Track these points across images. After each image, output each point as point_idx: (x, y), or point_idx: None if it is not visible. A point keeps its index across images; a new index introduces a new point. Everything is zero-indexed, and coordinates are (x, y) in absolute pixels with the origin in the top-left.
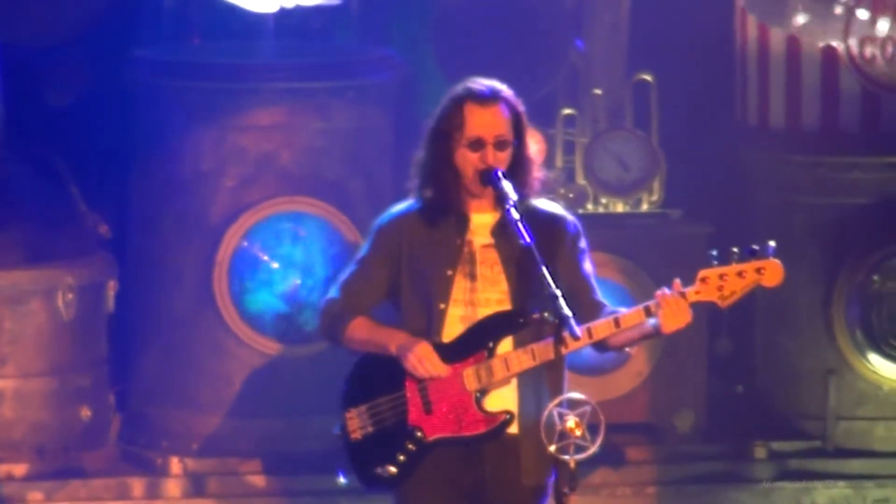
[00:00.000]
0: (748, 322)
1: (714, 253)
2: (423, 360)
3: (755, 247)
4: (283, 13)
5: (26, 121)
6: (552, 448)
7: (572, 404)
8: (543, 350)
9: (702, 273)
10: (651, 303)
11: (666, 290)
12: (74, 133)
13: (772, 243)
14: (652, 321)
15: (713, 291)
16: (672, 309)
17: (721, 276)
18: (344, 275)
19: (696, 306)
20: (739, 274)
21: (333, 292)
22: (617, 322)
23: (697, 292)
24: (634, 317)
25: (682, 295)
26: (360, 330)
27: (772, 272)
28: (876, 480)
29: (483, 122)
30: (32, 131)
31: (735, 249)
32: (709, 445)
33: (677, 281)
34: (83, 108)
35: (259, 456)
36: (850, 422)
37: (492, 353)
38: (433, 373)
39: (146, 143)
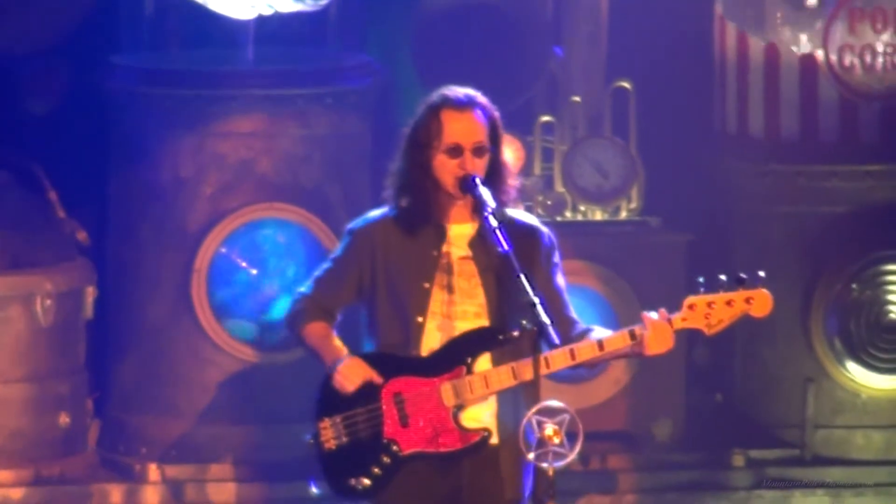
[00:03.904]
0: (726, 330)
1: (701, 280)
2: (346, 377)
3: (743, 275)
4: (262, 20)
5: (4, 127)
6: (530, 456)
7: (550, 412)
8: (523, 369)
9: (689, 300)
10: (636, 327)
11: (653, 314)
12: (53, 140)
13: (761, 273)
14: (635, 344)
15: (700, 319)
16: (658, 333)
17: (709, 304)
18: (318, 271)
19: None
20: (728, 303)
21: (306, 287)
22: (601, 345)
23: (684, 319)
24: (619, 340)
25: (669, 322)
26: (313, 336)
27: (761, 303)
28: (854, 489)
29: (461, 129)
30: (11, 138)
31: (723, 277)
32: (687, 454)
33: (662, 310)
34: (62, 114)
35: (237, 463)
36: (829, 430)
37: (470, 368)
38: (355, 386)
39: (125, 149)
